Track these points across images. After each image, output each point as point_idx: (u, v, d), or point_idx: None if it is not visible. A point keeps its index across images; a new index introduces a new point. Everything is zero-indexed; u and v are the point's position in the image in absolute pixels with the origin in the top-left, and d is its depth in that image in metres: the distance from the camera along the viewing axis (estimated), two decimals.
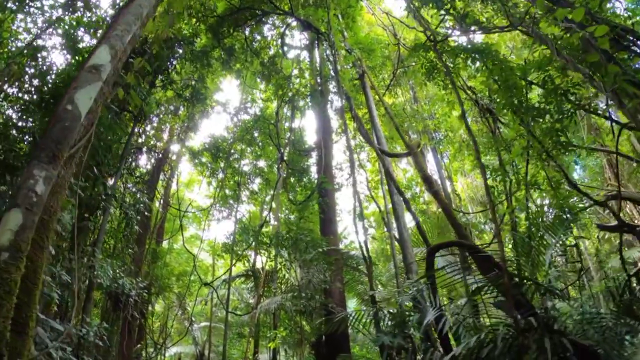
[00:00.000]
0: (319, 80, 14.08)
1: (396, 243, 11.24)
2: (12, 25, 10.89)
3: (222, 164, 17.38)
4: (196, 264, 15.70)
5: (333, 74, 14.17)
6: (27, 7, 10.93)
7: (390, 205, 11.95)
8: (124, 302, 11.56)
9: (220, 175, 17.11)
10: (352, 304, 18.58)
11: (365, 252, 7.57)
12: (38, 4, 11.20)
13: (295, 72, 14.72)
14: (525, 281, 5.23)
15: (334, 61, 10.70)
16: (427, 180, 8.04)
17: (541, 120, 7.53)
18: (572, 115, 6.87)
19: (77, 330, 8.31)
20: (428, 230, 12.18)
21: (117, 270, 9.74)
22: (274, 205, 17.59)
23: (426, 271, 6.45)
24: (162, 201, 19.68)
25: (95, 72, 4.13)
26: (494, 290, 5.78)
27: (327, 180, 11.54)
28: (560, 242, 6.47)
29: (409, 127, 15.71)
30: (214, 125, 66.23)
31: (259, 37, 15.57)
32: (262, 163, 18.69)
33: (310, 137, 17.58)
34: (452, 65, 8.80)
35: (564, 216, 6.53)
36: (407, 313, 5.86)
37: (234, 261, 15.62)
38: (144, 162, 13.16)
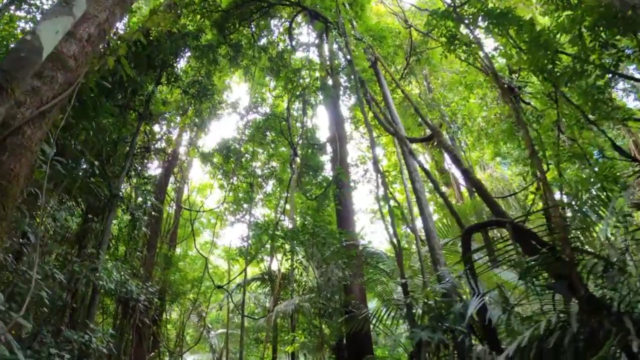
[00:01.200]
0: (329, 72, 13.32)
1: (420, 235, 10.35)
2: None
3: (233, 166, 16.73)
4: (209, 267, 14.94)
5: (344, 60, 13.44)
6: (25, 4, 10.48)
7: (406, 199, 11.09)
8: (133, 307, 10.84)
9: (233, 179, 16.43)
10: (372, 305, 17.56)
11: (394, 237, 6.66)
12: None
13: (305, 65, 13.99)
14: (585, 256, 4.31)
15: (345, 44, 9.92)
16: (455, 160, 7.20)
17: (576, 83, 6.66)
18: (615, 68, 5.94)
19: (79, 337, 7.59)
20: (453, 223, 11.28)
21: (123, 274, 9.00)
22: (287, 207, 16.80)
23: (463, 255, 5.56)
24: (173, 205, 19.10)
25: (65, 5, 3.41)
26: (541, 273, 4.89)
27: (343, 171, 10.72)
28: (614, 215, 5.48)
29: (424, 116, 14.82)
30: (224, 127, 66.06)
31: (265, 33, 14.92)
32: (274, 163, 18.00)
33: (323, 134, 16.77)
34: (472, 36, 7.97)
35: (612, 186, 5.61)
36: (446, 303, 4.95)
37: (249, 263, 14.86)
38: (152, 163, 12.48)
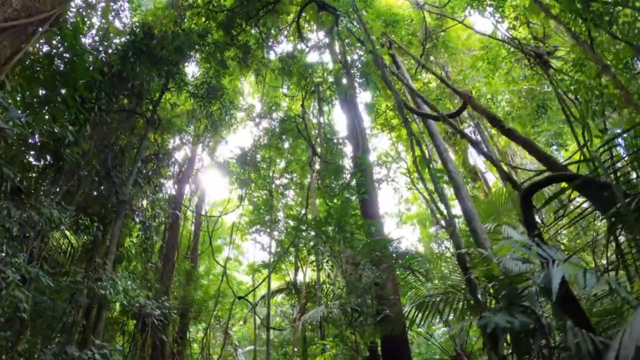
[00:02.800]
0: (344, 64, 12.37)
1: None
2: None
3: (251, 174, 15.85)
4: (227, 277, 13.89)
5: (357, 54, 12.52)
6: None
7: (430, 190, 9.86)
8: (149, 323, 9.85)
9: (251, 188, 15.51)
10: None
11: (444, 205, 5.40)
12: None
13: (318, 62, 13.12)
14: None
15: (359, 20, 9.00)
16: (494, 120, 6.06)
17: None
18: None
19: (83, 354, 6.62)
20: (486, 210, 10.00)
21: (131, 284, 8.03)
22: (307, 214, 15.71)
23: (525, 223, 4.37)
24: (192, 220, 18.27)
25: None
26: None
27: (365, 157, 9.64)
28: None
29: (446, 101, 13.69)
30: (239, 137, 65.26)
31: (273, 32, 14.17)
32: (293, 174, 17.02)
33: (342, 134, 15.76)
34: None
35: None
36: (517, 277, 3.71)
37: (272, 270, 13.78)
38: (164, 171, 11.66)
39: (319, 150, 12.15)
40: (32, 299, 6.71)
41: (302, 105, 13.21)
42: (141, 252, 9.95)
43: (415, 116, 12.52)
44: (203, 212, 18.45)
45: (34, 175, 8.68)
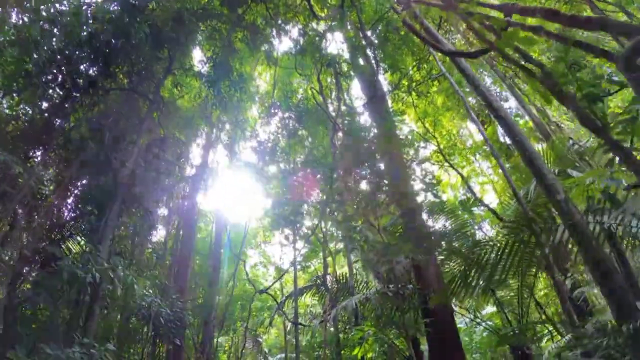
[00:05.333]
0: (360, 26, 10.92)
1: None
2: None
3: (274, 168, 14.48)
4: (247, 274, 12.37)
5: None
6: None
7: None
8: (158, 325, 8.40)
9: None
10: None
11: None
12: None
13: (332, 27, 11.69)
14: None
15: None
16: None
17: None
18: None
19: (63, 352, 5.23)
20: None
21: (129, 274, 6.61)
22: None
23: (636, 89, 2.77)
24: (213, 225, 16.97)
25: None
26: None
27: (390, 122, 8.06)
28: None
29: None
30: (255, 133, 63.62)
31: (281, 10, 12.89)
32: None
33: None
34: None
35: None
36: None
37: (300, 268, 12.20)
38: (171, 154, 10.37)
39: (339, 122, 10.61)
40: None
41: (318, 80, 11.79)
42: (145, 243, 8.58)
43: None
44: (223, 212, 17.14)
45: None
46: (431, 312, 8.25)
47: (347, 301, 8.40)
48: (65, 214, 8.09)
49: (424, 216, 9.30)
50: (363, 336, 6.73)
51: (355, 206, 8.66)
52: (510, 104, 14.50)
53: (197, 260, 15.46)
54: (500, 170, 12.30)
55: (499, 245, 5.59)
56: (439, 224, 9.65)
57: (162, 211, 9.10)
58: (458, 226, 8.42)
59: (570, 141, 11.59)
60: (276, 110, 14.75)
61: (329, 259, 14.65)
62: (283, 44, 13.06)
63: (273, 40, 12.81)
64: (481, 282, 5.91)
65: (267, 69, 15.61)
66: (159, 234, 10.98)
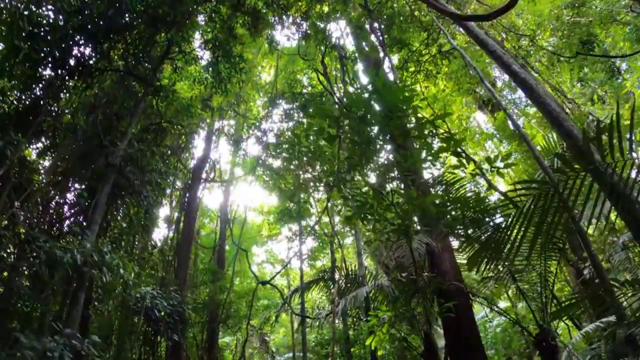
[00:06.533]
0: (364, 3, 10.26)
1: None
2: None
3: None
4: (249, 264, 11.67)
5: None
6: None
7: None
8: (154, 319, 7.74)
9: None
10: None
11: None
12: None
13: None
14: None
15: None
16: None
17: None
18: None
19: (39, 343, 4.58)
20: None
21: (117, 259, 5.94)
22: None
23: None
24: (218, 220, 16.33)
25: None
26: None
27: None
28: None
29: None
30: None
31: None
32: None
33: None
34: None
35: None
36: None
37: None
38: (169, 140, 9.75)
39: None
40: None
41: (322, 62, 11.14)
42: (141, 232, 7.93)
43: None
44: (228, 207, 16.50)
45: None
46: (448, 302, 7.48)
47: (357, 290, 7.67)
48: (56, 199, 7.49)
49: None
50: (377, 322, 5.96)
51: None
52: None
53: (201, 256, 14.80)
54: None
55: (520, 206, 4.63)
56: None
57: (160, 198, 8.42)
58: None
59: (590, 117, 10.86)
60: (280, 101, 14.14)
61: (337, 254, 13.96)
62: (285, 31, 12.31)
63: (275, 25, 12.21)
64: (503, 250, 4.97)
65: (271, 61, 15.02)
66: (156, 224, 10.32)
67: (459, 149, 4.48)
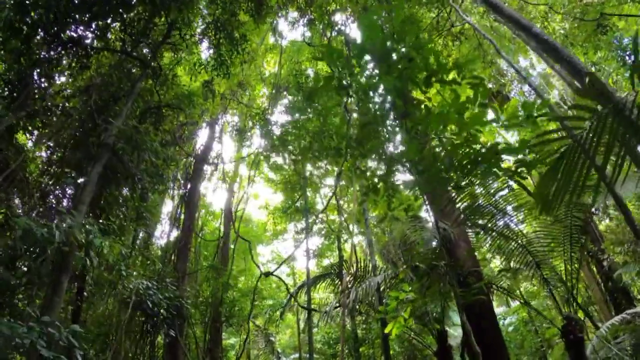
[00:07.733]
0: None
1: None
2: None
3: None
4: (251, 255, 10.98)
5: None
6: None
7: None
8: (146, 313, 7.09)
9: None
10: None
11: None
12: None
13: None
14: None
15: None
16: None
17: None
18: None
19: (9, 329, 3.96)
20: None
21: (103, 240, 5.31)
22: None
23: None
24: (222, 218, 15.69)
25: None
26: None
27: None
28: None
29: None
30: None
31: None
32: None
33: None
34: None
35: None
36: None
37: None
38: (168, 125, 9.14)
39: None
40: None
41: (329, 42, 10.57)
42: (136, 218, 7.31)
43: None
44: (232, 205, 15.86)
45: None
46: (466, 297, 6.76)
47: (370, 279, 6.98)
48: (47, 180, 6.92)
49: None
50: (398, 304, 5.21)
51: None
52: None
53: (204, 254, 14.17)
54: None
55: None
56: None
57: (158, 185, 7.80)
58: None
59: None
60: (284, 92, 13.59)
61: (345, 254, 13.28)
62: (289, 18, 11.75)
63: (279, 11, 11.67)
64: None
65: (275, 56, 14.46)
66: (158, 219, 9.73)
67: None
